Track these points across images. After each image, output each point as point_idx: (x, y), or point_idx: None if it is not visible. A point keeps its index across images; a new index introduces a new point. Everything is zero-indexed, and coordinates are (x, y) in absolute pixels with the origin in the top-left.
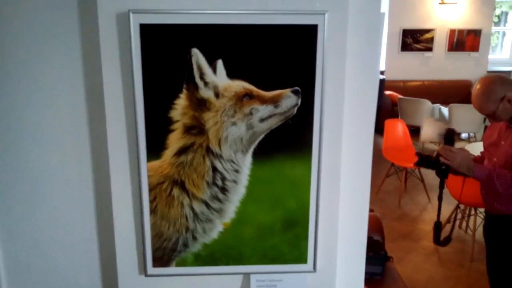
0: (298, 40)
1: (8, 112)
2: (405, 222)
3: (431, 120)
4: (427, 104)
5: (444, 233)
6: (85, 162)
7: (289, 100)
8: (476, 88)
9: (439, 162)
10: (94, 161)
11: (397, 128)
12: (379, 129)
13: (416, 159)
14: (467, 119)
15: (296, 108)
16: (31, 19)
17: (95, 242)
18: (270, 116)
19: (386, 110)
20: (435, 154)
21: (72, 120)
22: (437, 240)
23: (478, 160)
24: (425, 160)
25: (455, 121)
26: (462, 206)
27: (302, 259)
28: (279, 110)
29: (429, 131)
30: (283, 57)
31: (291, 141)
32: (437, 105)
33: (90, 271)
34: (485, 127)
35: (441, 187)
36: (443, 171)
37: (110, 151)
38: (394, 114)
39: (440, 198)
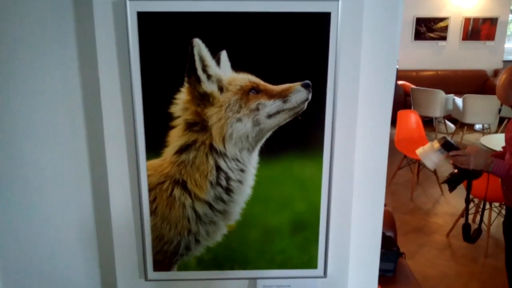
0: (309, 29)
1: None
2: (417, 216)
3: (420, 151)
4: (440, 94)
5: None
6: (82, 160)
7: (299, 94)
8: (502, 77)
9: (463, 170)
10: (91, 159)
11: (410, 119)
12: (391, 120)
13: (448, 188)
14: (481, 110)
15: (306, 103)
16: (23, 7)
17: (93, 245)
18: (278, 112)
19: (398, 101)
20: (453, 166)
21: (67, 116)
22: (467, 238)
23: (499, 155)
24: (453, 179)
25: (469, 112)
26: (476, 200)
27: (312, 264)
28: (288, 106)
29: (431, 159)
30: (292, 48)
31: (301, 138)
32: (451, 96)
33: (88, 275)
34: (500, 119)
35: (469, 189)
36: (473, 173)
37: (107, 149)
38: (407, 105)
39: (467, 201)
